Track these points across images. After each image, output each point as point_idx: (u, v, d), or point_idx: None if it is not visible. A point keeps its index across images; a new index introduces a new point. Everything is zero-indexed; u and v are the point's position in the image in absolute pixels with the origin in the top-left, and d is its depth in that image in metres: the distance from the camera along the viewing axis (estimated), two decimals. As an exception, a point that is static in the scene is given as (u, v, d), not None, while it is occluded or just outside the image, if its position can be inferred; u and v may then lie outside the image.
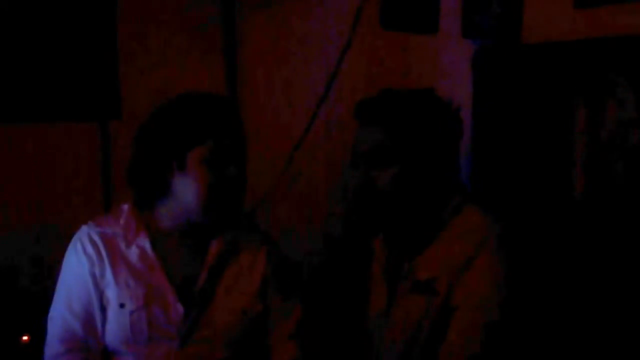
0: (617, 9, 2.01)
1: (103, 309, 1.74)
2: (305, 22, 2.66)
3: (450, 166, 1.81)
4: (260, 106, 2.72)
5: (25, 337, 2.20)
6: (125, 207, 1.80)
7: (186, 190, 1.71)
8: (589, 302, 2.02)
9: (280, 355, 1.82)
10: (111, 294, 1.72)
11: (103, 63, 2.53)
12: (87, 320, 1.73)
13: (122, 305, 1.71)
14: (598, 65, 2.05)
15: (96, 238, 1.75)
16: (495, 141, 2.20)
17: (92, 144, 2.49)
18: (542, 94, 2.16)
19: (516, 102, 2.17)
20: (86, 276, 1.73)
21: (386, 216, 1.80)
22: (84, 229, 1.78)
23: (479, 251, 1.74)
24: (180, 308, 1.72)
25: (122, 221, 1.78)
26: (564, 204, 2.09)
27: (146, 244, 1.75)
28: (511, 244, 1.80)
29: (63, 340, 1.74)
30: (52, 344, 1.75)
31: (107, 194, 2.51)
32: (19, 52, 2.38)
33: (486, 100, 2.21)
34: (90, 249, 1.74)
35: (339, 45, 2.54)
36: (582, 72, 2.08)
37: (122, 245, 1.75)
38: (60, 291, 1.77)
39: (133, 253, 1.75)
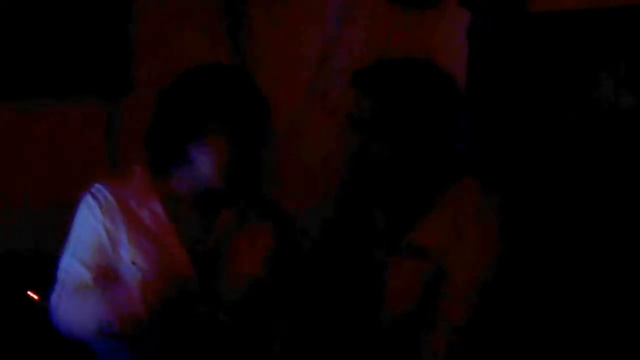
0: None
1: (112, 262, 1.76)
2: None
3: (446, 137, 1.85)
4: (264, 79, 2.77)
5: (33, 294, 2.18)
6: (138, 168, 1.84)
7: (204, 160, 1.75)
8: (582, 265, 2.07)
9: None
10: (124, 251, 1.76)
11: (115, 39, 2.60)
12: (98, 273, 1.75)
13: (134, 263, 1.75)
14: (598, 35, 2.08)
15: (110, 196, 1.79)
16: (490, 111, 2.23)
17: (101, 119, 2.55)
18: (535, 64, 2.17)
19: (510, 72, 2.19)
20: (100, 230, 1.77)
21: (381, 183, 1.85)
22: (97, 186, 1.81)
23: (472, 219, 1.78)
24: (191, 272, 1.77)
25: (134, 182, 1.82)
26: (562, 172, 2.12)
27: (159, 207, 1.79)
28: (509, 213, 1.84)
29: (68, 285, 1.77)
30: (59, 290, 1.78)
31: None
32: (30, 27, 2.44)
33: (482, 72, 2.23)
34: (104, 205, 1.78)
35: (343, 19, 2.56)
36: (584, 42, 2.10)
37: (135, 206, 1.79)
38: (72, 243, 1.81)
39: (146, 214, 1.79)
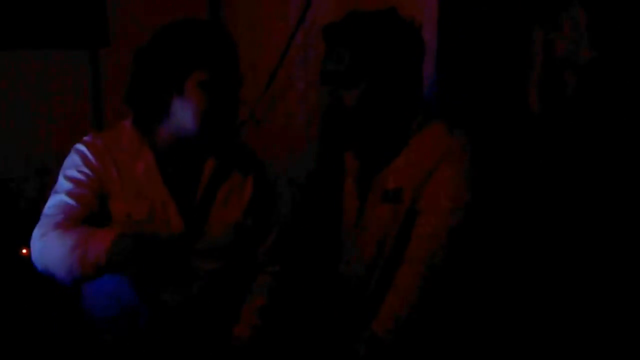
0: None
1: (99, 212, 1.79)
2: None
3: (414, 83, 1.92)
4: (239, 33, 2.80)
5: (24, 250, 2.27)
6: (127, 123, 1.89)
7: (184, 113, 1.81)
8: (546, 210, 2.12)
9: (262, 275, 1.99)
10: (117, 204, 1.81)
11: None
12: (84, 202, 1.77)
13: (128, 215, 1.80)
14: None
15: (103, 149, 1.83)
16: (460, 60, 2.27)
17: (82, 70, 2.58)
18: (501, 15, 2.19)
19: (478, 22, 2.22)
20: (92, 177, 1.80)
21: (354, 132, 1.91)
22: (89, 139, 1.86)
23: (442, 160, 1.84)
24: (180, 221, 1.85)
25: (125, 136, 1.87)
26: (522, 119, 2.18)
27: (150, 159, 1.85)
28: (478, 154, 1.89)
29: (55, 217, 1.75)
30: (43, 219, 1.77)
31: (98, 121, 2.62)
32: None
33: (450, 21, 2.27)
34: (98, 157, 1.82)
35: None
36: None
37: (127, 158, 1.84)
38: (62, 184, 1.82)
39: (137, 167, 1.84)
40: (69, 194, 1.78)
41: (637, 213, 1.96)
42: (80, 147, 1.85)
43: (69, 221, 1.73)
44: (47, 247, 1.71)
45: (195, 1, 2.83)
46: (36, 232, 1.76)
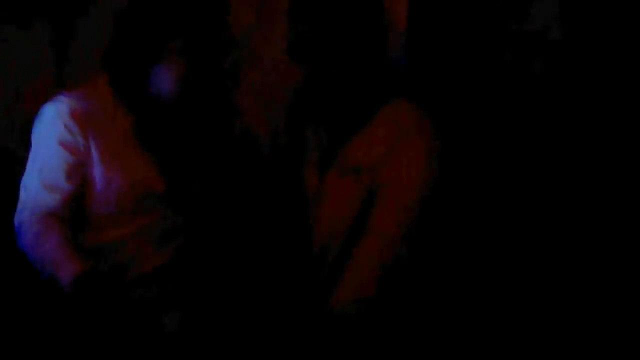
0: None
1: (82, 184, 1.80)
2: None
3: (378, 59, 1.91)
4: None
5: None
6: (101, 84, 1.86)
7: (162, 80, 1.81)
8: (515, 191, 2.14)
9: None
10: (96, 170, 1.79)
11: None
12: (62, 193, 1.78)
13: (108, 181, 1.80)
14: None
15: (77, 115, 1.79)
16: (430, 39, 2.27)
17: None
18: None
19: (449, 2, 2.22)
20: (68, 148, 1.78)
21: (316, 107, 1.92)
22: (63, 104, 1.80)
23: (404, 136, 1.84)
24: (162, 183, 1.86)
25: (100, 95, 1.84)
26: (490, 97, 2.18)
27: (127, 123, 1.84)
28: (443, 133, 1.89)
29: (34, 210, 1.78)
30: (22, 212, 1.80)
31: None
32: None
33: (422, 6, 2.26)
34: (72, 123, 1.78)
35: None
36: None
37: (104, 123, 1.82)
38: (35, 161, 1.81)
39: (115, 130, 1.83)
40: (46, 186, 1.78)
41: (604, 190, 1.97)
42: (52, 113, 1.81)
43: (45, 221, 1.76)
44: (25, 245, 1.78)
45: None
46: (16, 227, 1.81)
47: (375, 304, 1.81)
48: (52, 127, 1.80)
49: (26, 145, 1.89)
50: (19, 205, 1.83)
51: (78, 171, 1.79)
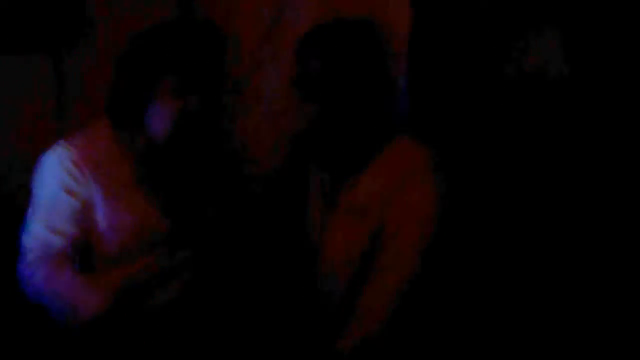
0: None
1: (87, 228, 1.80)
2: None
3: (382, 96, 1.92)
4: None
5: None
6: (103, 127, 1.86)
7: (156, 120, 1.80)
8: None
9: None
10: (101, 213, 1.80)
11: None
12: (68, 236, 1.78)
13: (111, 226, 1.80)
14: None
15: (79, 161, 1.79)
16: (433, 73, 2.27)
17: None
18: (477, 26, 2.20)
19: (454, 34, 2.23)
20: (71, 194, 1.78)
21: (320, 143, 1.91)
22: (64, 151, 1.80)
23: (408, 178, 1.84)
24: (166, 223, 1.86)
25: (101, 141, 1.85)
26: (492, 129, 2.19)
27: (127, 166, 1.84)
28: (448, 168, 1.90)
29: (41, 252, 1.78)
30: (28, 255, 1.79)
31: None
32: None
33: (425, 33, 2.27)
34: (75, 170, 1.78)
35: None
36: (513, 7, 2.15)
37: (105, 167, 1.82)
38: (39, 209, 1.80)
39: (117, 173, 1.83)
40: (51, 229, 1.78)
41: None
42: (54, 162, 1.81)
43: (55, 260, 1.76)
44: (37, 292, 1.77)
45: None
46: (23, 271, 1.79)
47: (384, 344, 1.81)
48: (55, 174, 1.80)
49: (25, 187, 1.88)
50: (24, 251, 1.82)
51: (83, 215, 1.79)
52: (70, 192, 1.78)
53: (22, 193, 1.90)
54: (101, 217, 1.80)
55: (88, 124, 1.91)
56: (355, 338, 1.80)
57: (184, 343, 1.90)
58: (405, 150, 1.91)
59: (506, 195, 2.15)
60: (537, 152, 2.12)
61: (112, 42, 2.41)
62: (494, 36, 2.16)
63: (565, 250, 2.05)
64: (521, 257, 2.10)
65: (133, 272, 1.82)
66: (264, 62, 2.52)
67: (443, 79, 2.25)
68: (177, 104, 1.78)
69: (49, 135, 2.16)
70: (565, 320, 2.02)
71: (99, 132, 1.87)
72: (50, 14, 2.48)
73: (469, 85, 2.21)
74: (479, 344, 2.03)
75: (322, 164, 1.98)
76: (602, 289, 1.98)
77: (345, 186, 1.92)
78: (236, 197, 2.03)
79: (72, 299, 1.72)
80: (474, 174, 2.16)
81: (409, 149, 1.91)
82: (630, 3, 1.94)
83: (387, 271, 1.82)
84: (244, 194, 2.08)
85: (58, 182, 1.79)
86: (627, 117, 1.98)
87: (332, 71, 1.83)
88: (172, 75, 1.77)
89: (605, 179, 2.01)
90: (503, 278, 2.10)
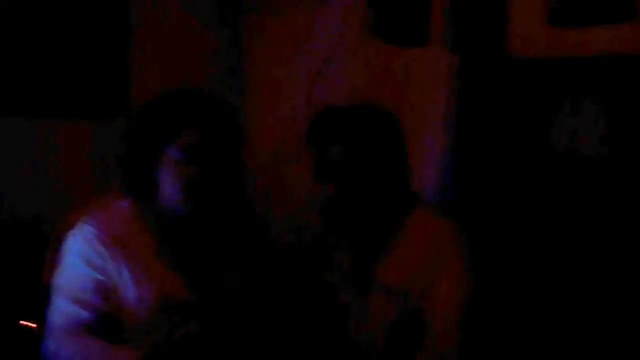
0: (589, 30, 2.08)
1: (113, 303, 1.77)
2: (307, 25, 2.73)
3: (403, 172, 1.94)
4: (253, 105, 2.83)
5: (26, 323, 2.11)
6: (124, 203, 1.85)
7: (165, 187, 1.78)
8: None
9: None
10: (128, 291, 1.77)
11: (114, 63, 2.63)
12: (94, 309, 1.76)
13: (137, 298, 1.77)
14: (570, 82, 2.13)
15: (103, 237, 1.77)
16: (478, 152, 2.29)
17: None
18: (520, 108, 2.23)
19: (498, 114, 2.25)
20: (97, 270, 1.76)
21: (350, 224, 1.90)
22: (88, 228, 1.79)
23: (441, 254, 1.85)
24: (189, 293, 1.82)
25: (122, 214, 1.83)
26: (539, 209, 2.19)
27: (149, 237, 1.82)
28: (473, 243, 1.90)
29: (68, 326, 1.75)
30: (53, 331, 1.77)
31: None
32: (30, 45, 2.43)
33: (469, 111, 2.30)
34: (100, 248, 1.76)
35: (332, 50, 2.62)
36: (556, 88, 2.16)
37: (128, 241, 1.79)
38: (66, 288, 1.78)
39: (140, 248, 1.80)
40: (77, 301, 1.76)
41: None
42: (77, 241, 1.80)
43: (82, 331, 1.74)
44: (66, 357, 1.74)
45: (215, 74, 2.85)
46: (50, 346, 1.77)
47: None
48: (79, 251, 1.79)
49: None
50: (50, 328, 1.80)
51: (108, 290, 1.77)
52: (95, 267, 1.77)
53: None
54: (127, 292, 1.78)
55: (111, 195, 1.91)
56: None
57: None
58: (434, 227, 1.91)
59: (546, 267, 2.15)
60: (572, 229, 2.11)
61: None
62: (537, 111, 2.17)
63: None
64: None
65: (159, 342, 1.80)
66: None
67: (486, 158, 2.26)
68: (181, 174, 1.76)
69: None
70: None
71: (120, 205, 1.86)
72: (94, 81, 2.57)
73: (514, 160, 2.23)
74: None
75: (346, 240, 1.96)
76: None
77: (375, 264, 1.90)
78: (260, 269, 1.99)
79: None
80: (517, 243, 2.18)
81: (437, 225, 1.92)
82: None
83: (429, 349, 1.83)
84: (269, 265, 2.03)
85: (83, 259, 1.78)
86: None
87: (353, 155, 1.85)
88: (176, 144, 1.75)
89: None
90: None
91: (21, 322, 2.08)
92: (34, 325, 2.03)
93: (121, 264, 1.78)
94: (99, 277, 1.76)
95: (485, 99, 2.29)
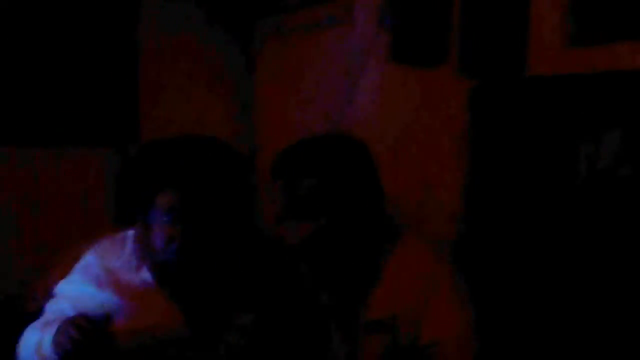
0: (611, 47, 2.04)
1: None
2: (320, 52, 2.72)
3: (380, 203, 1.83)
4: (267, 137, 2.80)
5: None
6: (131, 233, 1.87)
7: (153, 237, 1.76)
8: None
9: None
10: (121, 320, 1.78)
11: (124, 91, 2.65)
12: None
13: (133, 330, 1.77)
14: (594, 101, 2.09)
15: (102, 272, 1.82)
16: (494, 175, 2.24)
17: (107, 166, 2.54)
18: (542, 128, 2.17)
19: (517, 136, 2.20)
20: (94, 301, 1.79)
21: (332, 263, 1.79)
22: (91, 260, 1.85)
23: (431, 285, 1.76)
24: (187, 327, 1.80)
25: (126, 249, 1.85)
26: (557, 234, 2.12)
27: (149, 276, 1.82)
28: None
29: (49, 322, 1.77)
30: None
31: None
32: (42, 76, 2.49)
33: (485, 134, 2.24)
34: (99, 281, 1.81)
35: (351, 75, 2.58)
36: (580, 107, 2.11)
37: (127, 277, 1.81)
38: (69, 296, 1.83)
39: (138, 284, 1.81)
40: (66, 298, 1.80)
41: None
42: (82, 272, 1.84)
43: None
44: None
45: (224, 99, 2.81)
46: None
47: None
48: (80, 283, 1.83)
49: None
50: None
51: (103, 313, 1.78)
52: (92, 295, 1.80)
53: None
54: (122, 321, 1.77)
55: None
56: None
57: None
58: (415, 256, 1.82)
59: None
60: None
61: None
62: (561, 139, 2.12)
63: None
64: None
65: None
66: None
67: (505, 178, 2.21)
68: (164, 232, 1.74)
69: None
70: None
71: (127, 237, 1.87)
72: (114, 109, 2.58)
73: (532, 188, 2.16)
74: None
75: (330, 282, 1.84)
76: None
77: (359, 303, 1.80)
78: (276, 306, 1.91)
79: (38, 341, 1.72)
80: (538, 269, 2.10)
81: (417, 253, 1.82)
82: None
83: None
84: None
85: (81, 286, 1.82)
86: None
87: (328, 187, 1.74)
88: (157, 203, 1.73)
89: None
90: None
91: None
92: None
93: (116, 299, 1.79)
94: (98, 297, 1.79)
95: (505, 121, 2.24)
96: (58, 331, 1.66)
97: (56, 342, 1.65)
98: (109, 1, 2.60)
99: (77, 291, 1.83)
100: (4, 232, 2.43)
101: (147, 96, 2.68)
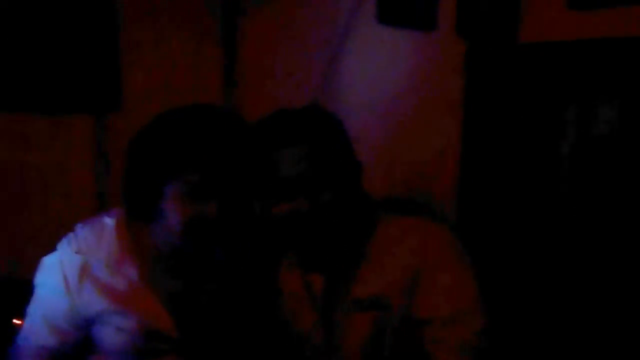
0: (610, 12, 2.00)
1: (86, 331, 1.70)
2: (306, 12, 2.62)
3: (357, 179, 1.75)
4: (258, 98, 2.70)
5: (18, 321, 2.03)
6: (110, 223, 1.72)
7: (168, 219, 1.63)
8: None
9: None
10: (105, 321, 1.68)
11: (104, 56, 2.55)
12: (63, 336, 1.69)
13: (117, 329, 1.67)
14: (588, 66, 2.05)
15: (76, 269, 1.67)
16: (487, 141, 2.20)
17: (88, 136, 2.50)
18: (534, 94, 2.14)
19: (509, 101, 2.16)
20: (67, 302, 1.68)
21: (309, 241, 1.71)
22: (66, 253, 1.70)
23: (438, 256, 1.70)
24: (171, 325, 1.69)
25: (107, 242, 1.70)
26: (549, 202, 2.10)
27: (133, 272, 1.69)
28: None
29: (33, 345, 1.70)
30: (22, 341, 1.73)
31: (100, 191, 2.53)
32: (20, 43, 2.42)
33: (478, 100, 2.19)
34: (72, 280, 1.68)
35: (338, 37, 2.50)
36: (573, 73, 2.07)
37: (108, 274, 1.68)
38: (36, 309, 1.73)
39: (119, 282, 1.68)
40: (47, 324, 1.69)
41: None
42: (54, 267, 1.70)
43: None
44: None
45: (209, 70, 2.74)
46: (15, 348, 1.73)
47: None
48: (52, 278, 1.69)
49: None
50: (21, 333, 1.74)
51: (81, 318, 1.68)
52: (70, 291, 1.67)
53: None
54: (108, 324, 1.68)
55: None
56: None
57: None
58: (401, 231, 1.73)
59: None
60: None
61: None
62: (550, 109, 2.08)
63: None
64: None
65: None
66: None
67: (501, 148, 2.17)
68: (188, 211, 1.60)
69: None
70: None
71: (109, 224, 1.71)
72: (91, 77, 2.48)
73: (526, 155, 2.14)
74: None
75: (310, 263, 1.76)
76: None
77: (346, 282, 1.73)
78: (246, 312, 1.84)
79: None
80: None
81: (402, 228, 1.73)
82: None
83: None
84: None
85: (55, 284, 1.68)
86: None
87: (320, 156, 1.64)
88: (182, 179, 1.59)
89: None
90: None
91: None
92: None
93: (96, 298, 1.67)
94: (74, 301, 1.68)
95: (496, 86, 2.19)
96: None
97: None
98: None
99: (48, 298, 1.70)
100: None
101: (127, 60, 2.59)
